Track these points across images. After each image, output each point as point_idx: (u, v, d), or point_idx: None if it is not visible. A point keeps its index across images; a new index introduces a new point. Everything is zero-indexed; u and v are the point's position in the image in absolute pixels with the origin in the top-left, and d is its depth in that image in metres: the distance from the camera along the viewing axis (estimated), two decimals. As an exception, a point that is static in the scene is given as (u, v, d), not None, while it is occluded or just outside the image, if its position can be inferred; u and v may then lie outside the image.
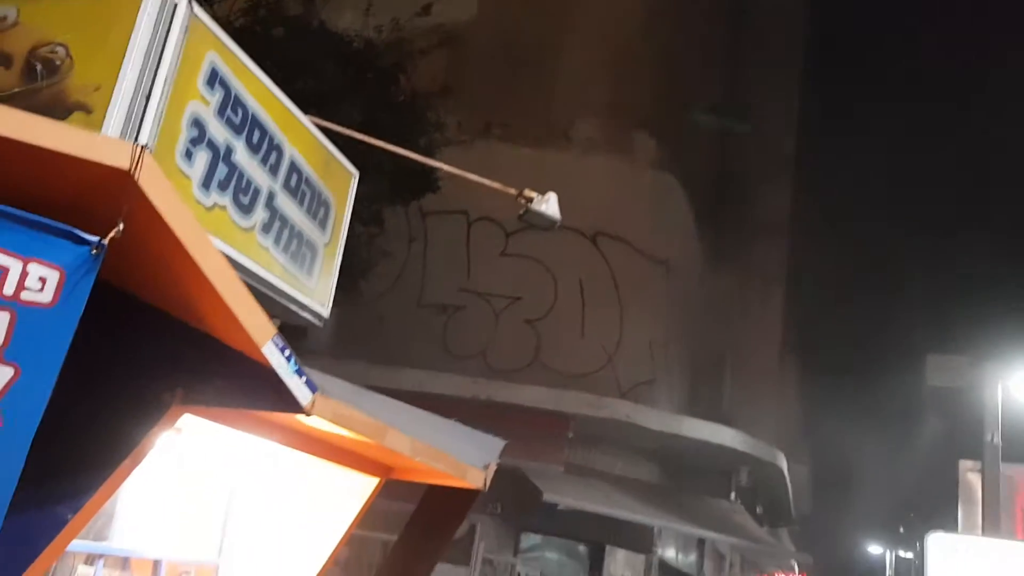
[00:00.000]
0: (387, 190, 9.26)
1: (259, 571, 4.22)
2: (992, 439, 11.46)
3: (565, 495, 11.72)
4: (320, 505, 4.15)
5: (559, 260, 15.09)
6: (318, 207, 4.17)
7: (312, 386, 2.51)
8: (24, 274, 1.97)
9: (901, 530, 34.88)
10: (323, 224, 4.24)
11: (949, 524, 12.96)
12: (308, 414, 2.49)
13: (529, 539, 14.09)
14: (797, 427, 26.27)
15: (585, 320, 15.12)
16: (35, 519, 2.52)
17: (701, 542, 18.29)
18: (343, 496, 4.12)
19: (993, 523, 10.58)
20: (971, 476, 12.14)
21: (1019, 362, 12.02)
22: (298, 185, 3.97)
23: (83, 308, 2.04)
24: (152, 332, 2.67)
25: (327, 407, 2.58)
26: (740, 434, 14.66)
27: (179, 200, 2.12)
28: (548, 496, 11.14)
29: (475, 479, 3.82)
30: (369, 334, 13.59)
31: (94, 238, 2.02)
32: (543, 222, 5.09)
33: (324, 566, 4.13)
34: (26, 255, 1.97)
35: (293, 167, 3.90)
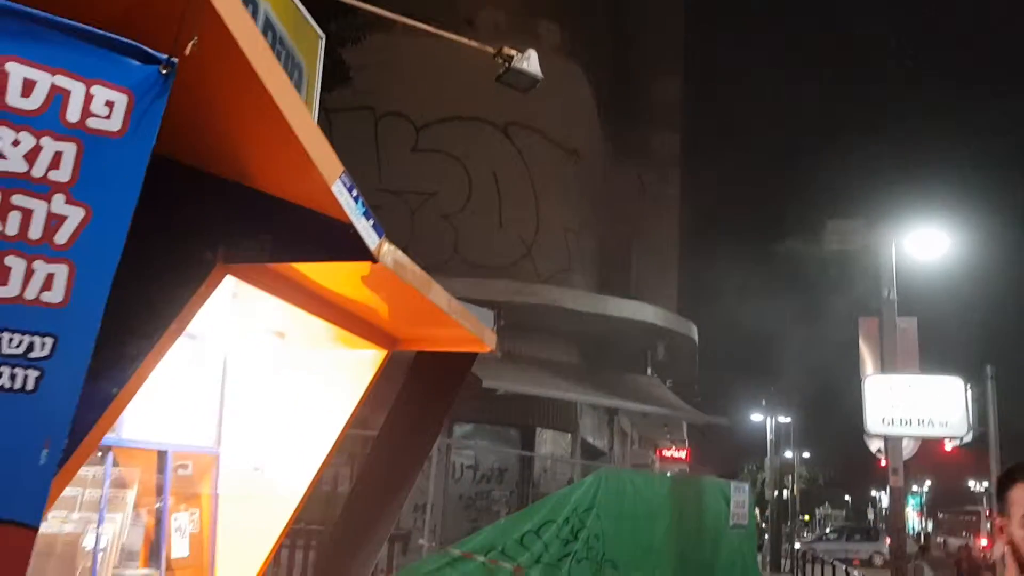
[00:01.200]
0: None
1: (264, 457, 4.10)
2: (888, 295, 12.33)
3: (502, 380, 11.94)
4: (324, 386, 4.04)
5: (472, 153, 14.86)
6: (292, 70, 3.87)
7: (379, 230, 2.38)
8: (88, 98, 1.73)
9: (763, 402, 37.34)
10: (298, 89, 3.94)
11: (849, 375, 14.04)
12: (376, 260, 2.37)
13: (461, 428, 14.37)
14: (697, 301, 27.54)
15: (502, 212, 15.07)
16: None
17: (611, 423, 19.26)
18: (348, 374, 4.01)
19: (891, 370, 11.48)
20: (869, 330, 13.02)
21: (911, 222, 12.89)
22: (273, 44, 3.65)
23: (155, 138, 1.83)
24: (185, 189, 2.44)
25: (389, 253, 2.46)
26: (660, 310, 15.23)
27: (248, 16, 1.90)
28: (487, 383, 11.31)
29: (490, 340, 3.80)
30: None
31: (163, 55, 1.78)
32: (524, 81, 4.90)
33: (332, 447, 4.05)
34: (89, 76, 1.73)
35: (268, 23, 3.58)
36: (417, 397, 4.55)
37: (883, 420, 7.89)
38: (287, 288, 2.90)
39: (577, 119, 17.01)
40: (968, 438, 7.66)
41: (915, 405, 7.70)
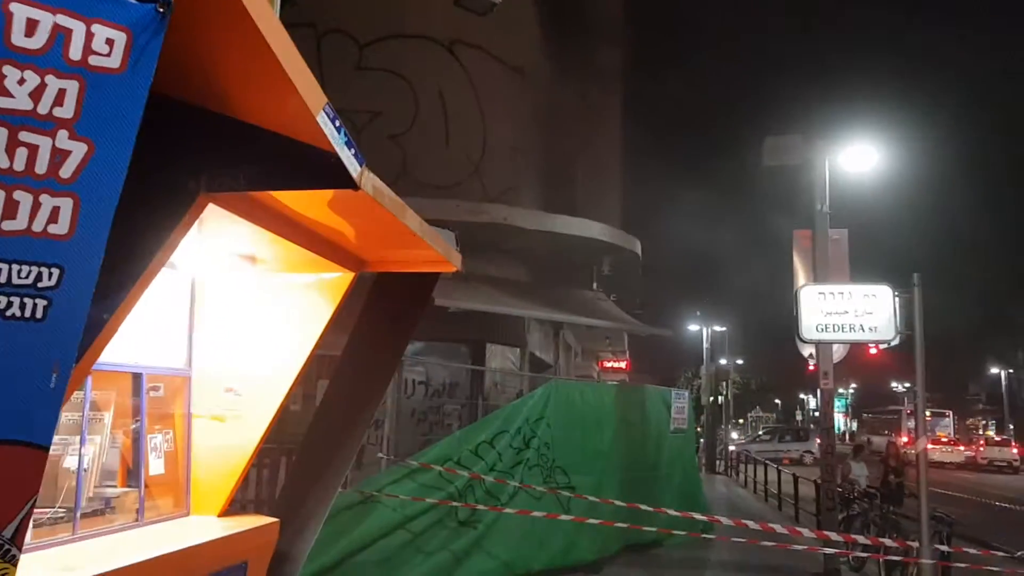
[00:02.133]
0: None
1: (235, 378, 4.22)
2: (821, 208, 12.82)
3: (452, 299, 12.13)
4: (293, 308, 4.14)
5: (417, 71, 14.59)
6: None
7: (360, 158, 2.48)
8: (89, 36, 1.79)
9: (697, 313, 38.63)
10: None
11: (782, 286, 14.66)
12: (358, 187, 2.48)
13: (413, 346, 14.59)
14: (640, 216, 27.96)
15: (449, 131, 14.94)
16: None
17: (556, 336, 19.75)
18: (316, 296, 4.12)
19: (823, 279, 12.04)
20: (803, 242, 13.52)
21: (844, 139, 13.30)
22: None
23: (153, 74, 1.89)
24: (169, 121, 2.49)
25: (369, 180, 2.57)
26: (606, 226, 15.50)
27: (235, -51, 1.94)
28: (440, 301, 11.48)
29: (456, 260, 3.95)
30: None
31: (158, -7, 1.84)
32: (482, 5, 4.87)
33: (302, 368, 4.17)
34: (89, 15, 1.78)
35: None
36: (381, 318, 4.69)
37: (816, 327, 8.39)
38: (264, 214, 2.99)
39: (521, 35, 16.76)
40: (896, 342, 8.22)
41: (846, 312, 8.18)
